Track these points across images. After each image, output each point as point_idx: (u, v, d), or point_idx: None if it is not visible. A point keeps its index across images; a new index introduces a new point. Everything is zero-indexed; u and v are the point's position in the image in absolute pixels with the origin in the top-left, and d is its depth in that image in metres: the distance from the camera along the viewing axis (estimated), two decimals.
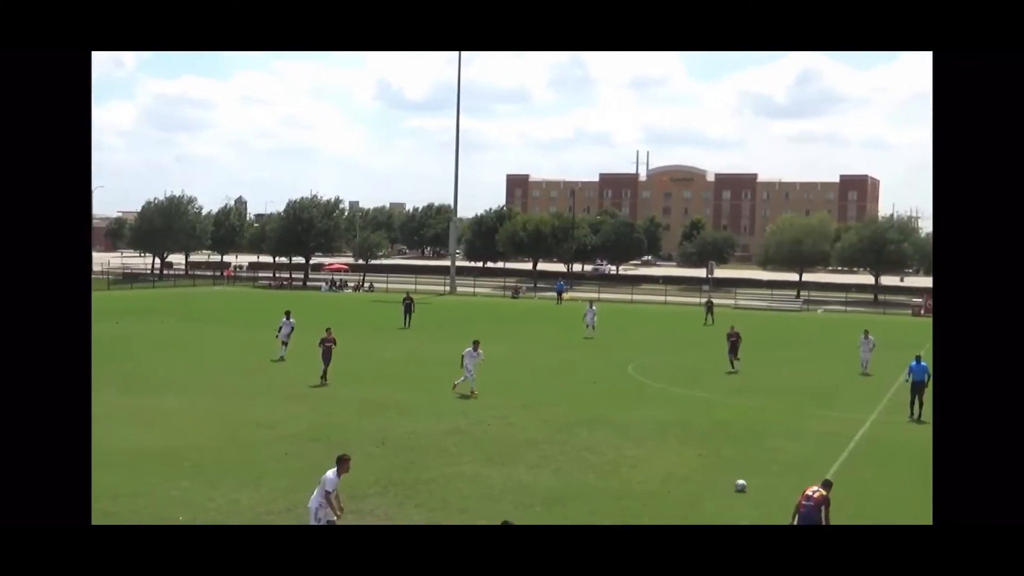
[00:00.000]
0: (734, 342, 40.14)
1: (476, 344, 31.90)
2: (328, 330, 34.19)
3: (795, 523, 16.18)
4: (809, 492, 16.37)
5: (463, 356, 31.53)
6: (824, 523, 16.02)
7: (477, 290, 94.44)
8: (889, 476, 22.25)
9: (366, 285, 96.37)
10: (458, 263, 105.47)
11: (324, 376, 32.76)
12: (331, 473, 15.17)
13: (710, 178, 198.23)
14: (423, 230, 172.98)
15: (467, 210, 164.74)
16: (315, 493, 15.30)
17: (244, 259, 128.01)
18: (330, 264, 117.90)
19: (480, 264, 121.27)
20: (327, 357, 33.13)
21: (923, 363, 30.13)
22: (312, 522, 15.05)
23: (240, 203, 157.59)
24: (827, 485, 16.79)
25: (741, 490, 20.25)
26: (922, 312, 79.24)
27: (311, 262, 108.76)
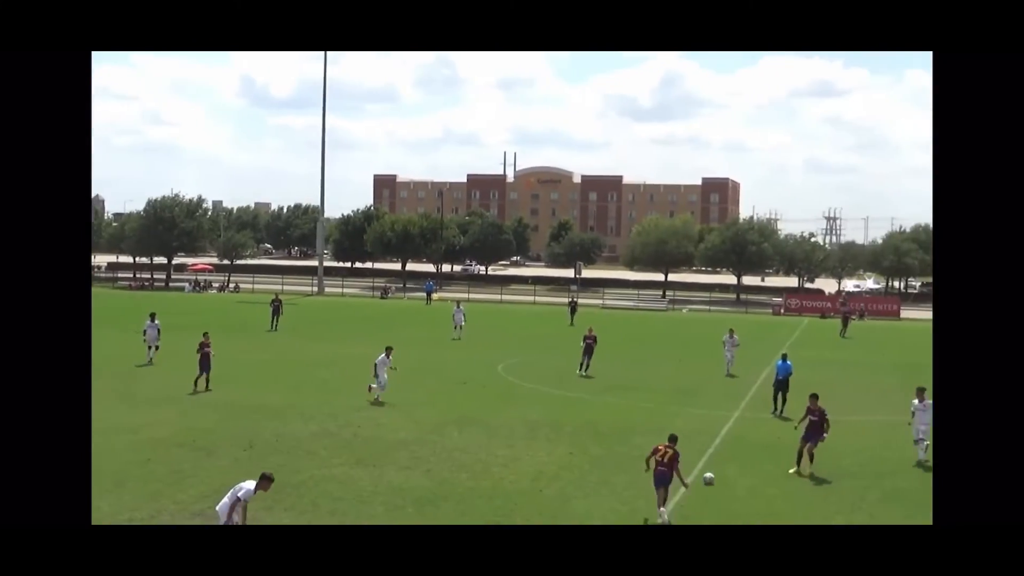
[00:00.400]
0: (589, 344, 38.73)
1: (388, 351, 31.30)
2: (205, 335, 33.01)
3: (654, 483, 18.68)
4: (660, 456, 18.78)
5: (375, 364, 30.92)
6: (678, 476, 18.78)
7: (345, 290, 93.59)
8: (752, 471, 22.85)
9: (231, 286, 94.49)
10: (326, 263, 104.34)
11: (207, 382, 31.44)
12: (250, 483, 15.24)
13: (576, 179, 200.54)
14: (290, 230, 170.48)
15: (335, 210, 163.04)
16: (225, 498, 15.27)
17: (103, 259, 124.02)
18: (194, 264, 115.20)
19: (348, 264, 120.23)
20: (206, 364, 31.79)
21: (788, 362, 31.05)
22: (222, 522, 15.08)
23: (97, 201, 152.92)
24: (674, 439, 19.39)
25: (709, 482, 21.14)
26: (781, 311, 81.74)
27: (174, 262, 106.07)
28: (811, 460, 22.61)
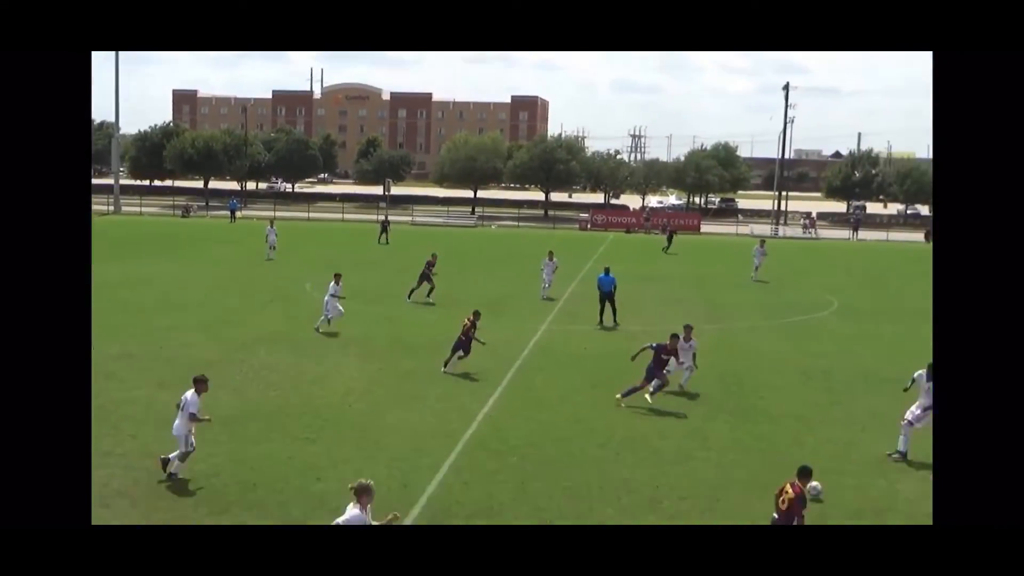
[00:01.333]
0: (426, 272, 36.28)
1: (337, 277, 29.58)
2: None
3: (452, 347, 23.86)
4: (464, 329, 23.98)
5: (328, 292, 29.14)
6: (476, 340, 23.92)
7: (144, 209, 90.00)
8: (558, 380, 23.35)
9: None
10: (122, 181, 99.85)
11: None
12: (191, 394, 15.70)
13: (386, 96, 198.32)
14: None
15: (131, 126, 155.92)
16: (178, 420, 15.65)
17: None
18: None
19: (147, 183, 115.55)
20: None
21: (611, 275, 31.73)
22: (184, 448, 15.59)
23: None
24: (477, 315, 24.57)
25: (816, 495, 15.82)
26: (588, 227, 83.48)
27: None
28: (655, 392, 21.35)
